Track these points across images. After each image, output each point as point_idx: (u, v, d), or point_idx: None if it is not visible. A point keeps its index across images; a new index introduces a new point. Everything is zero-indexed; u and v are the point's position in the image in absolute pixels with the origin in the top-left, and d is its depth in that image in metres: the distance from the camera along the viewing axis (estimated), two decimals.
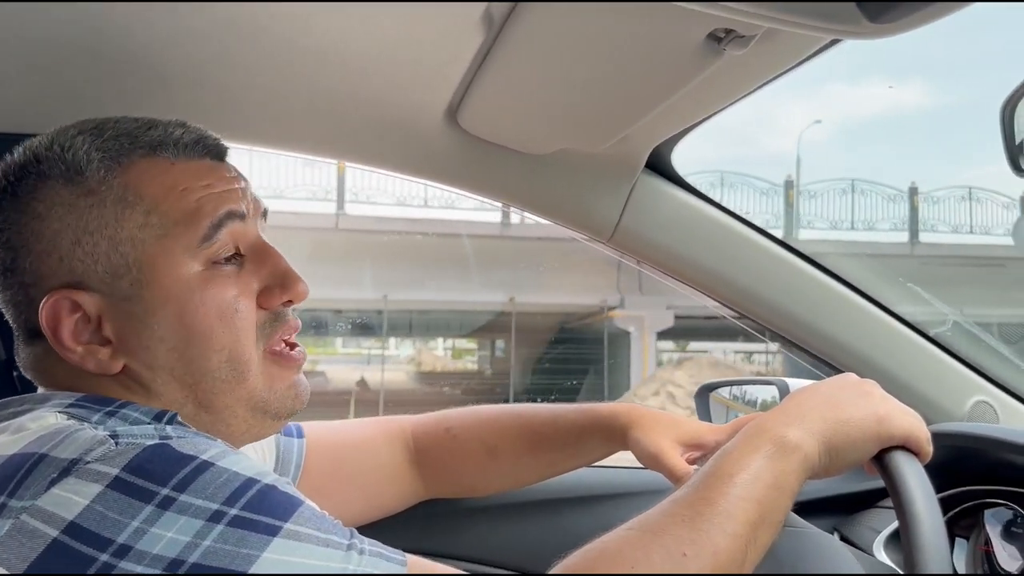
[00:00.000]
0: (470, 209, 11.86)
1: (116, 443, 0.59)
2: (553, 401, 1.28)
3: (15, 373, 0.90)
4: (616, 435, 0.98)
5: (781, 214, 12.09)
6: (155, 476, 0.57)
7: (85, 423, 0.63)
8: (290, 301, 0.76)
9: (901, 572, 0.67)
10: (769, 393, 1.17)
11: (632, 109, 0.93)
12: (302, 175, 10.49)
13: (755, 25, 0.70)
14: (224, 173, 0.76)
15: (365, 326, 12.03)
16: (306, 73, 0.93)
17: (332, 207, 10.88)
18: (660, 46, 0.77)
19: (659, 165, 1.15)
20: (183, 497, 0.57)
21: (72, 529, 0.55)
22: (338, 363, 12.70)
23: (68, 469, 0.57)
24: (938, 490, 1.04)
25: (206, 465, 0.59)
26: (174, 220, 0.71)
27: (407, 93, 0.97)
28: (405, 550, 0.63)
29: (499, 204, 1.19)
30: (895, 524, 1.01)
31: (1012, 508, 0.98)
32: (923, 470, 0.74)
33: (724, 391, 1.25)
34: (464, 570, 0.64)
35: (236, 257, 0.74)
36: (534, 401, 1.44)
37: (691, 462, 0.92)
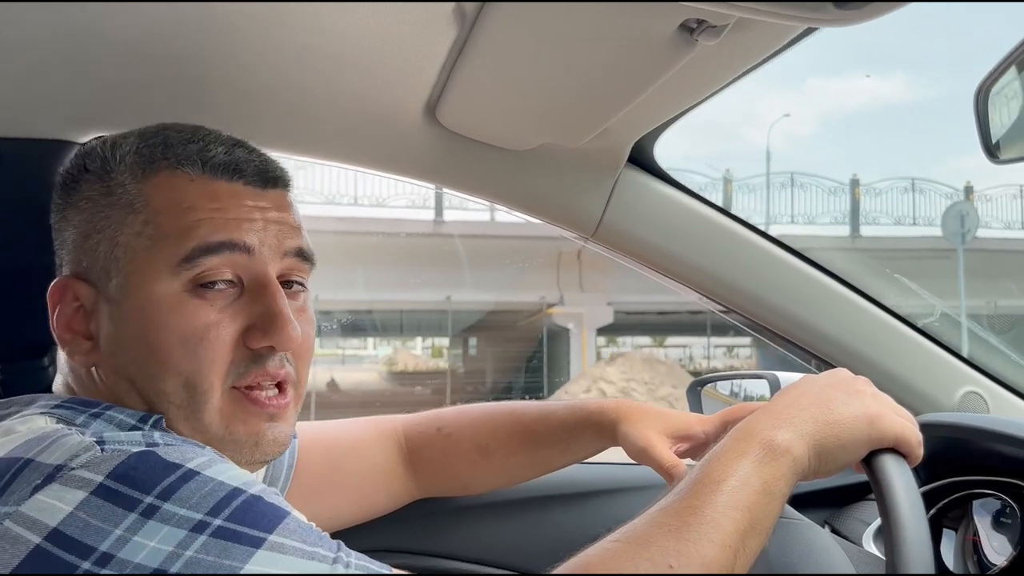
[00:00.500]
0: (401, 207, 11.88)
1: (102, 449, 0.59)
2: (493, 399, 1.28)
3: None
4: (606, 430, 0.97)
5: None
6: (139, 484, 0.57)
7: (72, 426, 0.62)
8: (272, 348, 0.72)
9: (886, 565, 0.66)
10: (763, 391, 1.17)
11: (609, 103, 0.92)
12: None
13: (726, 15, 0.70)
14: (248, 201, 0.73)
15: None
16: (282, 70, 0.92)
17: None
18: (632, 39, 0.76)
19: (642, 159, 1.15)
20: (167, 506, 0.56)
21: (55, 536, 0.55)
22: None
23: (53, 475, 0.57)
24: (927, 481, 1.04)
25: (191, 474, 0.59)
26: (164, 234, 0.70)
27: (385, 89, 0.97)
28: (398, 549, 0.62)
29: (484, 202, 1.18)
30: None
31: (1000, 498, 0.97)
32: (911, 475, 0.72)
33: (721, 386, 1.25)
34: (457, 569, 0.63)
35: (234, 287, 0.72)
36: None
37: (680, 454, 0.92)
